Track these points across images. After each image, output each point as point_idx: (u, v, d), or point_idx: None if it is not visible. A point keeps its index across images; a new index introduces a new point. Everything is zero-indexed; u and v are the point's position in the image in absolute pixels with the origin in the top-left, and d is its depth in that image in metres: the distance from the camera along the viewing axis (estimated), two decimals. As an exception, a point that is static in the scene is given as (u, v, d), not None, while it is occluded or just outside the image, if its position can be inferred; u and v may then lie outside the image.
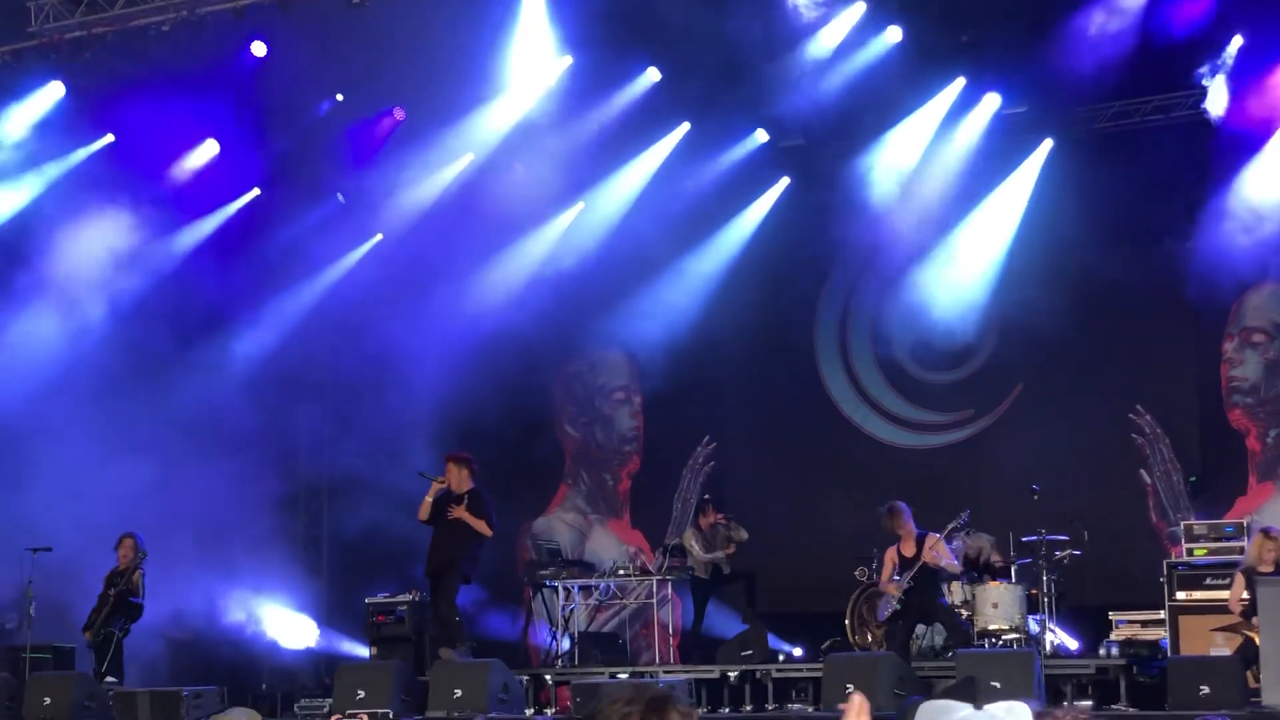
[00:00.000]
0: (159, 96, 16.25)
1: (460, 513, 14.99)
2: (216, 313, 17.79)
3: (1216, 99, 16.39)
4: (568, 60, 17.10)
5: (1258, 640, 12.93)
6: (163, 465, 16.78)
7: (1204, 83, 16.26)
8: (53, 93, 17.03)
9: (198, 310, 17.66)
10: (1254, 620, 13.09)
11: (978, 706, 3.53)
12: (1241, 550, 14.50)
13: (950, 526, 14.87)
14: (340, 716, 6.72)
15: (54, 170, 17.56)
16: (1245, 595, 13.46)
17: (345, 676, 14.57)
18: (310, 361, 18.67)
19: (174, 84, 16.11)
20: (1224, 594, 14.02)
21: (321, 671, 17.96)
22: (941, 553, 14.66)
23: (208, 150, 18.07)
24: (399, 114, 17.99)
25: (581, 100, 17.39)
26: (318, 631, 18.70)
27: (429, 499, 15.13)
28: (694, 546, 17.14)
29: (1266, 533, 13.82)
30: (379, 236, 19.03)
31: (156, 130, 16.85)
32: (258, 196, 18.58)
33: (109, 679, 15.43)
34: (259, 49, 16.23)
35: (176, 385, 16.99)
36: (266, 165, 17.94)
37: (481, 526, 15.02)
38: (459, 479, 15.15)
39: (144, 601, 15.84)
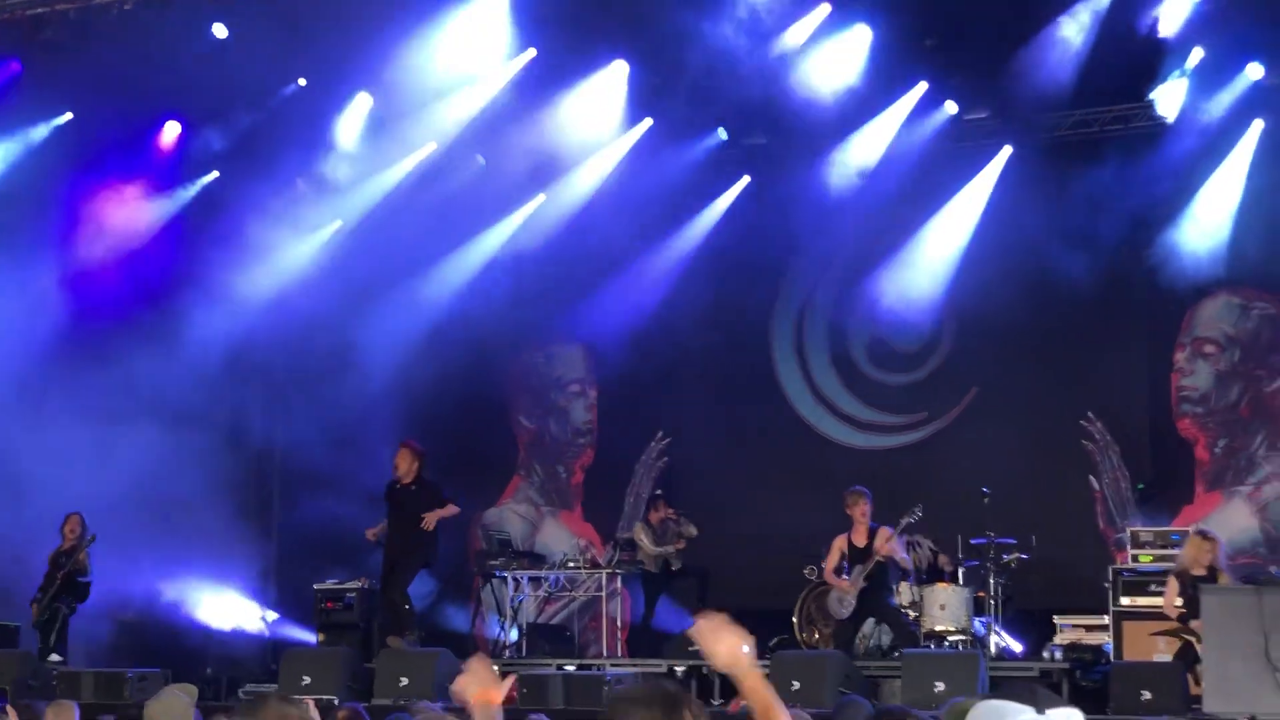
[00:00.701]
0: (120, 76, 16.15)
1: (431, 519, 15.19)
2: (172, 294, 17.68)
3: (1175, 110, 16.55)
4: (532, 52, 17.11)
5: (1197, 643, 13.08)
6: (113, 445, 16.70)
7: (1162, 95, 16.40)
8: (10, 69, 16.93)
9: (153, 291, 17.57)
10: (1193, 624, 13.21)
11: (1040, 711, 3.52)
12: (1188, 558, 14.61)
13: (905, 522, 15.02)
14: (282, 698, 6.70)
15: (11, 146, 17.45)
16: (1179, 600, 13.58)
17: (291, 662, 14.62)
18: (267, 346, 18.60)
19: (136, 63, 16.01)
20: (1168, 600, 14.15)
21: (268, 657, 17.90)
22: (895, 546, 14.82)
23: (169, 131, 17.97)
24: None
25: (545, 91, 17.39)
26: (265, 616, 18.64)
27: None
28: (644, 540, 17.19)
29: (1203, 534, 13.93)
30: (338, 223, 18.96)
31: (117, 109, 16.75)
32: (216, 179, 18.49)
33: (53, 658, 15.39)
34: (220, 30, 16.17)
35: (129, 366, 16.88)
36: (226, 148, 17.85)
37: (450, 510, 15.41)
38: (408, 468, 15.37)
39: (90, 580, 15.80)
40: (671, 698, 3.96)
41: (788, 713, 4.46)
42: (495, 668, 4.88)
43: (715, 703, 14.60)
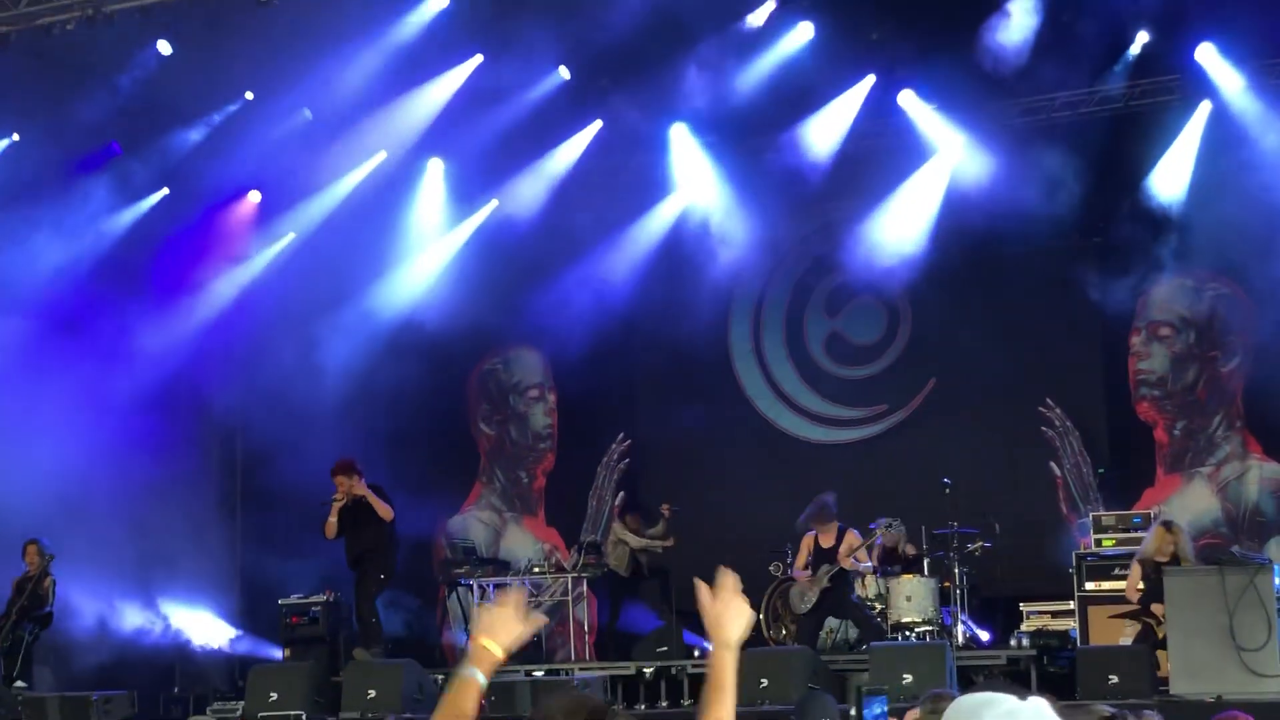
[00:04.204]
0: (64, 95, 16.05)
1: (364, 491, 15.22)
2: (121, 314, 17.55)
3: (1121, 94, 16.67)
4: (478, 58, 17.08)
5: (1157, 628, 13.17)
6: (75, 465, 16.54)
7: (1108, 79, 16.52)
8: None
9: (103, 310, 17.41)
10: (1153, 607, 13.29)
11: (1022, 699, 3.52)
12: (1152, 541, 14.68)
13: (873, 538, 15.16)
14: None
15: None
16: (1141, 585, 13.65)
17: (258, 678, 14.53)
18: (222, 365, 18.53)
19: (79, 82, 15.92)
20: (1132, 584, 14.23)
21: (235, 673, 17.82)
22: (860, 557, 14.95)
23: (113, 150, 17.84)
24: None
25: (494, 97, 17.35)
26: (231, 633, 18.55)
27: (332, 519, 15.28)
28: (627, 535, 17.21)
29: (1168, 526, 13.98)
30: (291, 236, 18.87)
31: (62, 129, 16.63)
32: (167, 195, 18.37)
33: (18, 684, 15.28)
34: (165, 47, 16.07)
35: (85, 385, 16.75)
36: (174, 164, 17.76)
37: (383, 509, 15.23)
38: (351, 484, 15.30)
39: (53, 609, 15.70)
40: (597, 709, 3.90)
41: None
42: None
43: (685, 703, 14.62)
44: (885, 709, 4.36)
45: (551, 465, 19.96)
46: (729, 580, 4.48)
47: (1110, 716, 5.21)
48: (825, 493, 15.45)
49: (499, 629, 4.44)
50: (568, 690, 5.51)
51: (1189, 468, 17.21)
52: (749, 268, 19.01)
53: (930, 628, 14.65)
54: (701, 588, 4.47)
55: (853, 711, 4.40)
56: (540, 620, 4.58)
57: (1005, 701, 3.47)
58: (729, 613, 4.40)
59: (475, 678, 4.35)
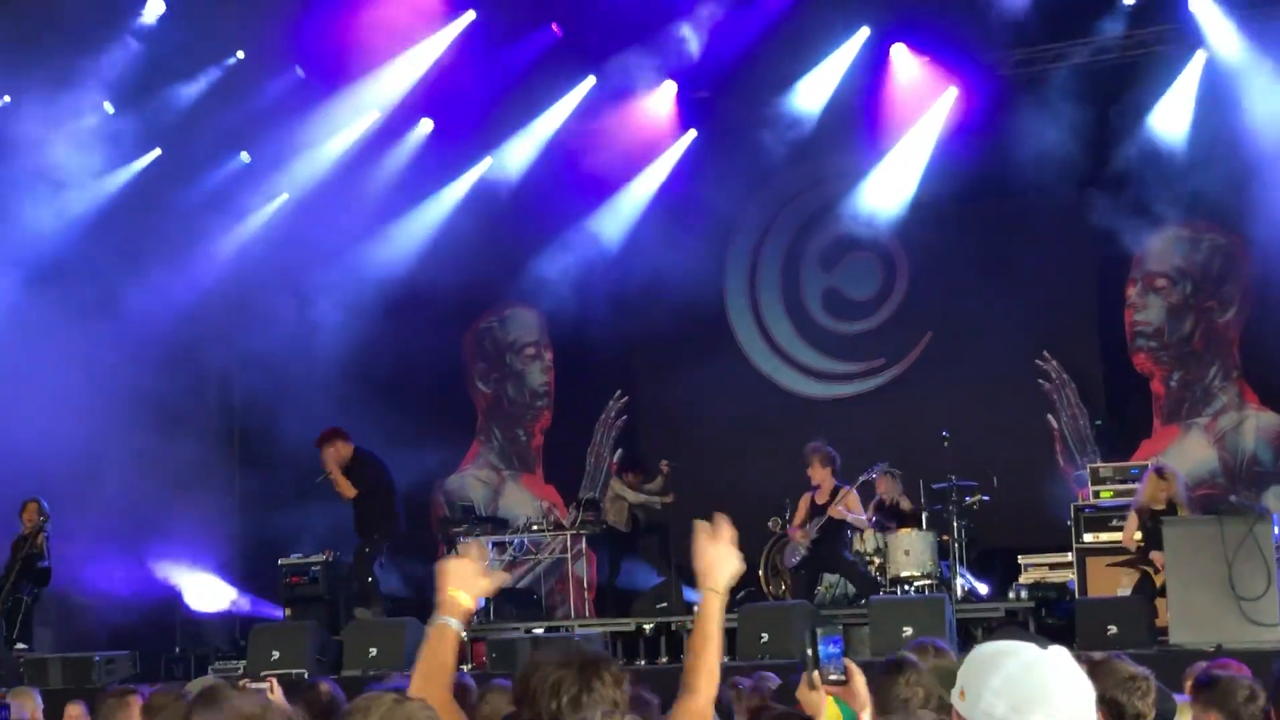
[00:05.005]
0: (57, 56, 15.98)
1: (334, 474, 15.64)
2: (116, 273, 17.48)
3: (1117, 45, 16.64)
4: (471, 15, 17.02)
5: (1155, 576, 13.22)
6: (72, 426, 16.51)
7: (1103, 29, 16.49)
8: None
9: (97, 270, 17.34)
10: (1152, 555, 13.33)
11: (1043, 648, 3.51)
12: (1148, 493, 14.71)
13: (861, 479, 15.10)
14: (249, 680, 6.70)
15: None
16: (1139, 534, 13.69)
17: (259, 638, 14.59)
18: (217, 324, 18.49)
19: (72, 43, 15.85)
20: (1131, 535, 14.25)
21: (236, 633, 17.86)
22: (850, 507, 14.91)
23: (106, 109, 17.78)
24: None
25: (487, 54, 17.30)
26: (232, 593, 18.56)
27: (341, 489, 15.47)
28: (625, 491, 17.25)
29: (1160, 472, 13.99)
30: (285, 196, 18.82)
31: (55, 91, 16.56)
32: (159, 156, 18.30)
33: (19, 645, 15.31)
34: (158, 6, 16.02)
35: (80, 345, 16.68)
36: (168, 124, 17.68)
37: (344, 488, 15.67)
38: (341, 453, 15.53)
39: (49, 564, 15.71)
40: (589, 660, 3.94)
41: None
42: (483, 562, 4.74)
43: (685, 659, 14.64)
44: (841, 648, 4.40)
45: (549, 423, 19.95)
46: (726, 530, 4.59)
47: (1133, 675, 5.17)
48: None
49: (466, 579, 4.61)
50: (564, 642, 5.66)
51: (1186, 418, 17.22)
52: (745, 223, 19.02)
53: (929, 581, 14.68)
54: (701, 528, 4.56)
55: (809, 652, 4.43)
56: (503, 577, 4.73)
57: (1025, 650, 3.45)
58: (722, 559, 4.52)
59: (450, 625, 4.52)
